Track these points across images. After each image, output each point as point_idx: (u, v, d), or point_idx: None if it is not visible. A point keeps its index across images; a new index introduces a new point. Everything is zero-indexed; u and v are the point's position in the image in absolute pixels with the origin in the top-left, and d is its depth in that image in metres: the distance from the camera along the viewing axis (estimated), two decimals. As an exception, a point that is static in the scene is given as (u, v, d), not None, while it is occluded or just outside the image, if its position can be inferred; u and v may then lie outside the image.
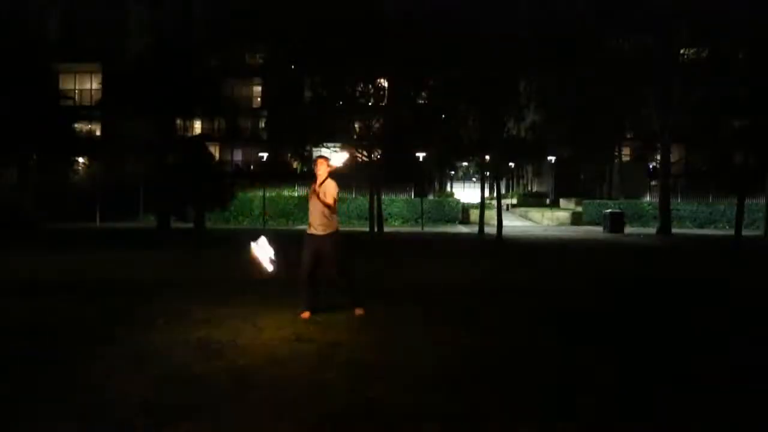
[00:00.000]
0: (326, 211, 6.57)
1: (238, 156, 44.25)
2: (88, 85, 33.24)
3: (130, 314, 6.79)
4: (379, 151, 24.52)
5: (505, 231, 22.20)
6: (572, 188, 42.78)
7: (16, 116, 21.71)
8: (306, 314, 6.59)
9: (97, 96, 31.45)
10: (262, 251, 6.82)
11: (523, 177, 60.58)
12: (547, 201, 44.35)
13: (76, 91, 32.93)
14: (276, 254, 6.92)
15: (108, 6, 32.40)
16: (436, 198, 34.90)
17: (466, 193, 58.96)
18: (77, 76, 33.39)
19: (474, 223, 29.05)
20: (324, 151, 29.90)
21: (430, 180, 41.37)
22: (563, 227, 30.42)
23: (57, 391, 4.15)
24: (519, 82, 24.38)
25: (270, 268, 6.87)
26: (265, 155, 36.27)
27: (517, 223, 32.09)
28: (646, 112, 26.69)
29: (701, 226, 30.01)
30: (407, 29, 22.82)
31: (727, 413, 3.91)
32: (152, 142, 25.24)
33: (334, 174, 6.78)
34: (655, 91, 24.74)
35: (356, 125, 24.53)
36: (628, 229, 26.98)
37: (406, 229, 27.79)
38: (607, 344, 5.76)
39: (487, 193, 29.74)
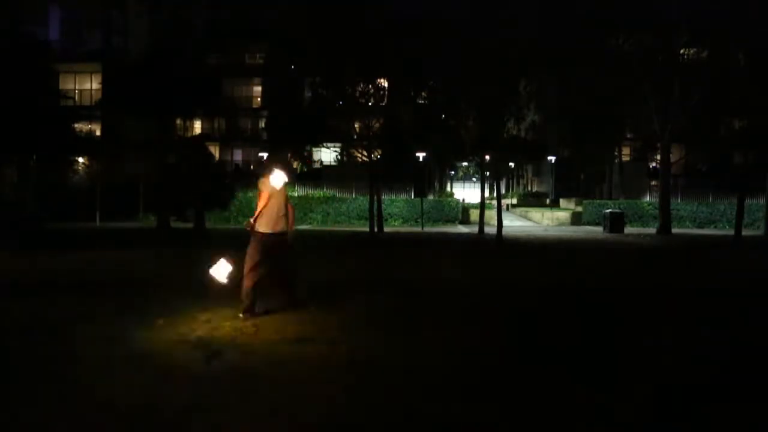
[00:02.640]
0: (284, 210, 6.73)
1: (238, 156, 44.29)
2: (88, 85, 33.23)
3: (129, 314, 6.78)
4: (379, 151, 24.53)
5: (505, 231, 22.19)
6: (572, 188, 42.81)
7: (16, 116, 21.69)
8: (246, 316, 6.53)
9: (97, 96, 31.43)
10: (221, 271, 6.94)
11: (523, 177, 60.61)
12: (547, 201, 44.35)
13: (76, 91, 32.90)
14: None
15: (108, 6, 32.41)
16: (436, 198, 34.89)
17: (466, 193, 58.98)
18: (77, 76, 33.37)
19: (474, 223, 29.04)
20: (325, 151, 29.92)
21: (430, 180, 41.39)
22: (563, 227, 30.41)
23: (57, 390, 4.15)
24: (519, 82, 24.37)
25: (225, 281, 6.99)
26: (265, 155, 36.26)
27: (517, 223, 32.08)
28: (646, 112, 26.69)
29: (701, 226, 30.01)
30: (407, 29, 22.86)
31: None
32: (152, 142, 25.21)
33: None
34: (655, 91, 24.73)
35: (356, 125, 24.53)
36: (628, 229, 26.98)
37: (405, 229, 27.78)
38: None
39: (487, 193, 29.73)
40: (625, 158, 40.75)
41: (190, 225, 23.93)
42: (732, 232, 22.43)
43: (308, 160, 36.86)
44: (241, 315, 6.55)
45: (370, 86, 24.09)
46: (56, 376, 4.47)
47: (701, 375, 4.77)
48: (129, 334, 5.78)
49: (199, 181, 22.75)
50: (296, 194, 30.23)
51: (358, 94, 23.77)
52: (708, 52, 26.30)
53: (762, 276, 11.96)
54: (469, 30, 23.69)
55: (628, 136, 38.18)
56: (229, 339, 5.64)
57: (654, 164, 38.24)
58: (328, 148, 30.03)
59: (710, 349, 5.59)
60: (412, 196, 31.71)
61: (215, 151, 40.30)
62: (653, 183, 37.06)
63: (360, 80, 23.60)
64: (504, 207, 32.29)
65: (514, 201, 46.58)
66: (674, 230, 25.99)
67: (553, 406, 3.96)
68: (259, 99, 44.47)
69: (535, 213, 35.37)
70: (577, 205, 36.02)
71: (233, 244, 8.63)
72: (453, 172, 66.56)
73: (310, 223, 28.64)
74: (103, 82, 30.35)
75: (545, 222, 32.81)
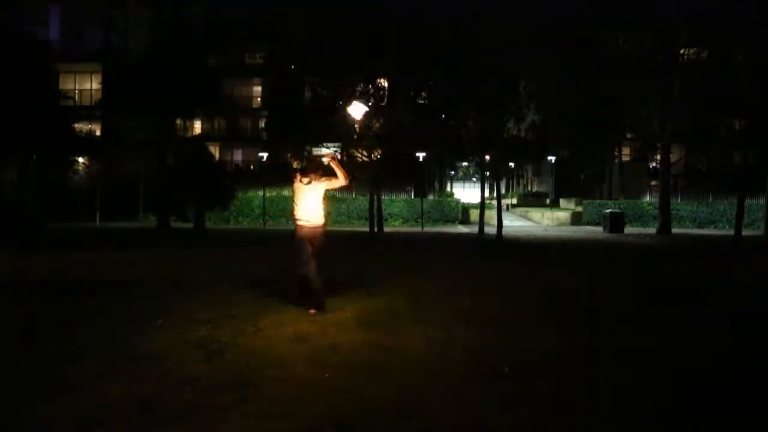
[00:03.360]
0: (322, 204, 6.77)
1: (238, 156, 44.28)
2: (88, 85, 33.20)
3: (129, 313, 6.78)
4: (379, 151, 24.52)
5: (505, 231, 22.18)
6: (572, 188, 42.79)
7: (16, 116, 21.69)
8: (313, 311, 6.77)
9: (97, 96, 31.41)
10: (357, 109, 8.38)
11: (523, 177, 60.62)
12: (547, 201, 44.35)
13: (76, 91, 32.88)
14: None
15: (108, 6, 32.41)
16: (436, 198, 34.88)
17: (466, 193, 59.02)
18: (77, 76, 33.35)
19: (474, 223, 29.03)
20: (325, 151, 29.96)
21: (430, 180, 41.41)
22: (563, 227, 30.41)
23: (57, 390, 4.15)
24: (519, 82, 24.37)
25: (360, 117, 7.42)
26: (265, 155, 36.29)
27: (517, 223, 32.07)
28: (646, 112, 26.67)
29: (701, 226, 30.00)
30: (408, 30, 22.88)
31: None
32: (152, 142, 25.22)
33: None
34: (655, 91, 24.73)
35: (356, 125, 24.51)
36: (628, 229, 26.97)
37: (405, 229, 27.78)
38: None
39: (487, 193, 29.72)
40: (625, 158, 40.73)
41: (190, 225, 23.96)
42: (732, 232, 22.40)
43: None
44: (312, 311, 6.78)
45: (370, 86, 24.09)
46: (56, 376, 4.47)
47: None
48: (129, 334, 5.78)
49: (199, 181, 22.76)
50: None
51: (358, 94, 23.75)
52: (708, 52, 26.29)
53: (762, 276, 11.97)
54: (468, 27, 23.69)
55: (628, 136, 38.16)
56: (229, 339, 5.64)
57: (654, 164, 38.23)
58: (328, 148, 30.02)
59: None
60: (412, 196, 31.70)
61: (215, 151, 40.31)
62: (653, 183, 37.05)
63: (360, 80, 23.61)
64: (504, 207, 32.28)
65: (514, 201, 46.58)
66: (674, 230, 25.98)
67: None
68: (259, 99, 44.46)
69: (535, 213, 35.37)
70: (577, 205, 36.01)
71: (233, 244, 8.64)
72: (453, 172, 66.59)
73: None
74: (103, 82, 30.33)
75: (545, 222, 32.81)
